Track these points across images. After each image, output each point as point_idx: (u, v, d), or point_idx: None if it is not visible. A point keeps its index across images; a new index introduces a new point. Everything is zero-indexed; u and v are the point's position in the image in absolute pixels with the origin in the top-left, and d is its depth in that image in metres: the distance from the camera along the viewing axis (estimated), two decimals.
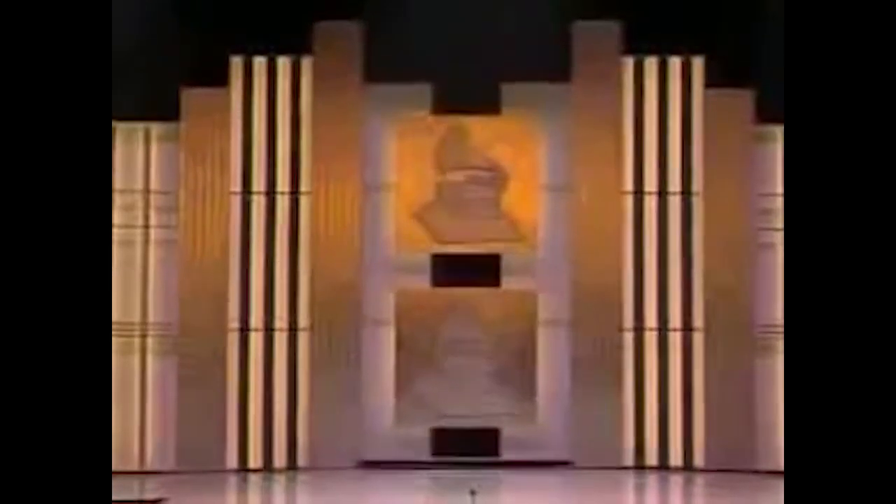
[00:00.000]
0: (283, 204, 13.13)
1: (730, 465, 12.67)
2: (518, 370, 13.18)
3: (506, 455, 13.07)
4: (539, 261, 13.32)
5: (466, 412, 13.09)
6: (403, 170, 13.42)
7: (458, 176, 13.42)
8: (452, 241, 13.36)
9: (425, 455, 13.07)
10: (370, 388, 13.08)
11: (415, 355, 13.19)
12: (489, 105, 13.34)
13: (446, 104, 13.37)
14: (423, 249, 13.30)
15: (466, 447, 13.04)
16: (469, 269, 13.24)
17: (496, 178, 13.45)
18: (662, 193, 13.19)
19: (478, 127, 13.42)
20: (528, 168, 13.45)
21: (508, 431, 13.12)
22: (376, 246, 13.28)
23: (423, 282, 13.28)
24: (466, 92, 13.21)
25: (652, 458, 13.04)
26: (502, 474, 12.53)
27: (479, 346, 13.19)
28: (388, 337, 13.24)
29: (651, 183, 13.24)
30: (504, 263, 13.33)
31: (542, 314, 13.22)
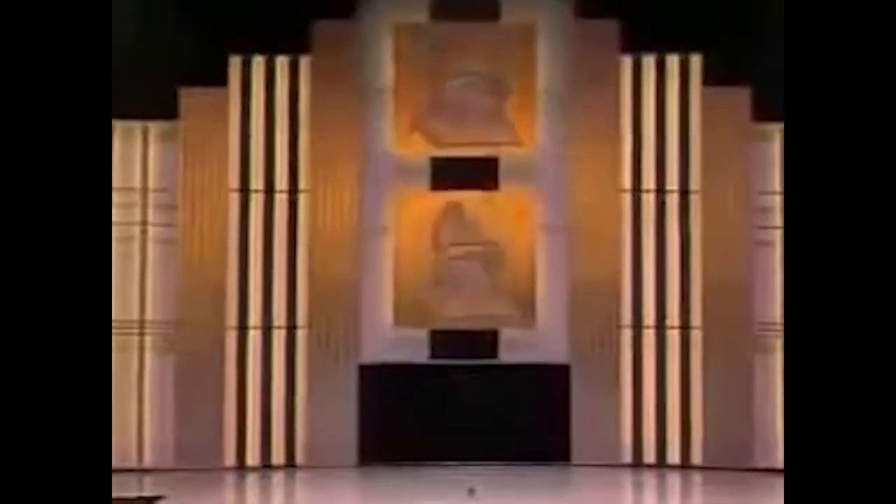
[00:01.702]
0: (281, 202, 13.10)
1: (728, 463, 12.60)
2: (517, 274, 13.16)
3: (504, 357, 13.09)
4: (537, 165, 13.26)
5: (465, 315, 13.11)
6: (401, 75, 13.32)
7: (456, 82, 13.36)
8: (451, 144, 13.30)
9: (423, 357, 13.09)
10: (369, 292, 13.07)
11: (413, 259, 13.15)
12: (488, 12, 13.34)
13: (444, 10, 13.34)
14: (422, 153, 13.24)
15: (464, 349, 13.09)
16: (467, 173, 13.21)
17: (494, 83, 13.37)
18: (660, 191, 13.13)
19: (476, 34, 13.37)
20: (526, 73, 13.36)
21: (507, 334, 13.13)
22: (376, 151, 13.24)
23: (421, 186, 13.24)
24: None
25: (650, 455, 12.99)
26: (500, 472, 12.50)
27: (478, 250, 13.18)
28: (387, 242, 13.20)
29: (649, 181, 13.18)
30: (502, 167, 13.26)
31: (541, 219, 13.19)
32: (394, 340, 13.09)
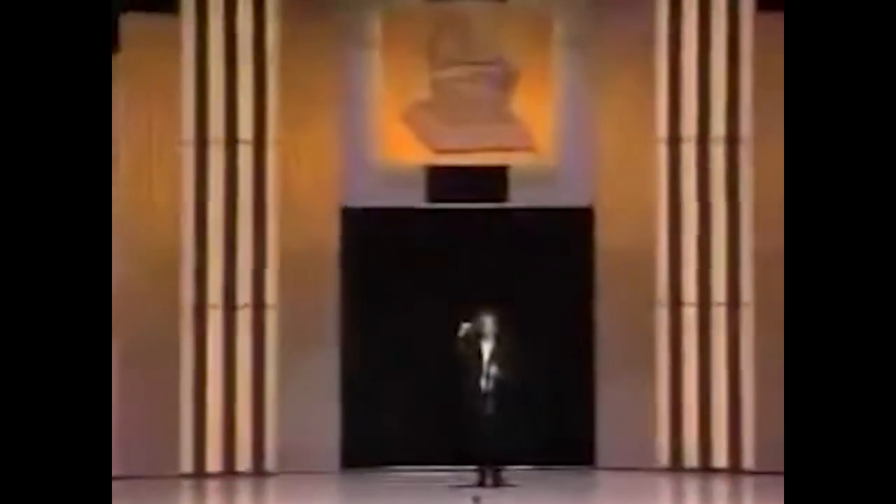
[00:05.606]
0: (245, 155, 12.53)
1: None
2: (529, 94, 12.39)
3: (515, 200, 12.42)
4: None
5: (467, 145, 12.38)
6: None
7: None
8: None
9: (419, 200, 12.50)
10: (355, 122, 12.42)
11: (407, 77, 12.43)
12: None
13: None
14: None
15: (468, 190, 12.42)
16: None
17: None
18: (703, 140, 12.49)
19: None
20: None
21: (518, 170, 12.42)
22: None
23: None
24: None
25: (691, 458, 12.49)
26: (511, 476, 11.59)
27: (482, 69, 12.49)
28: (375, 60, 12.58)
29: (690, 127, 12.53)
30: None
31: (558, 31, 12.56)
32: (384, 179, 12.40)
